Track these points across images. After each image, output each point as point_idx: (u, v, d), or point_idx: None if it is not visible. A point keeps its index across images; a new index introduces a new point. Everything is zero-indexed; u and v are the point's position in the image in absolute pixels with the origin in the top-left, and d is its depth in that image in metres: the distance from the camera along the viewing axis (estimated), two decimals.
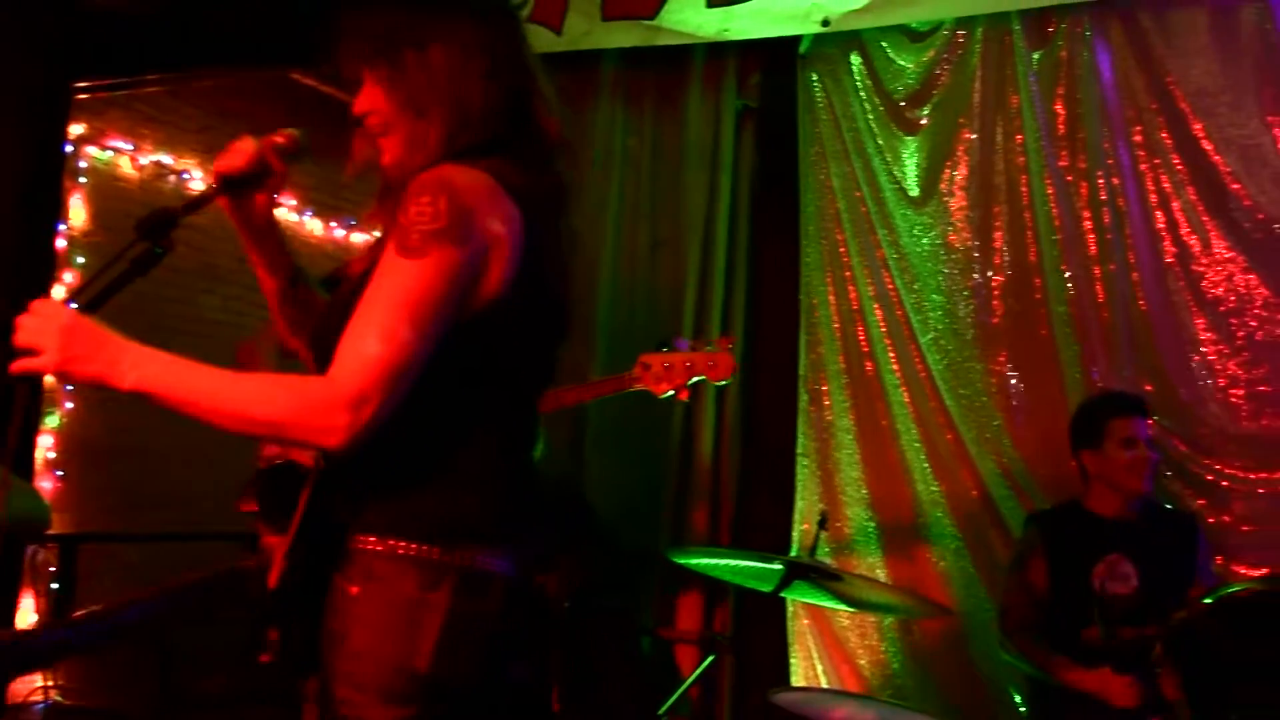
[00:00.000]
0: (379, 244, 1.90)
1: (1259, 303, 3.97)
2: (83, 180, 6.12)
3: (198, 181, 6.67)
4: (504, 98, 1.92)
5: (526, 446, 1.99)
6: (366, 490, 1.84)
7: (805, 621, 4.41)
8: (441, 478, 1.85)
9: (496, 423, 1.91)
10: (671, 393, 3.41)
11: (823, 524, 3.53)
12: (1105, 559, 3.52)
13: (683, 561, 3.63)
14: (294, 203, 7.04)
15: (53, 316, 1.75)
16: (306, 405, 1.71)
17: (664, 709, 3.60)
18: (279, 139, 2.05)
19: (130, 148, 6.45)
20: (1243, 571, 3.82)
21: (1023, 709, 3.93)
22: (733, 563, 3.54)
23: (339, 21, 1.96)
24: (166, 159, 6.63)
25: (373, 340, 1.72)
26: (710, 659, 3.82)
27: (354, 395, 1.69)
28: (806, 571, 3.30)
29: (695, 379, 3.39)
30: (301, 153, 2.07)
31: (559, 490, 4.67)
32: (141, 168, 6.55)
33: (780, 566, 3.31)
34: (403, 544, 1.81)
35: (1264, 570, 3.83)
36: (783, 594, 3.33)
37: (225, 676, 4.03)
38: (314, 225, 7.21)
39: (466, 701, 1.84)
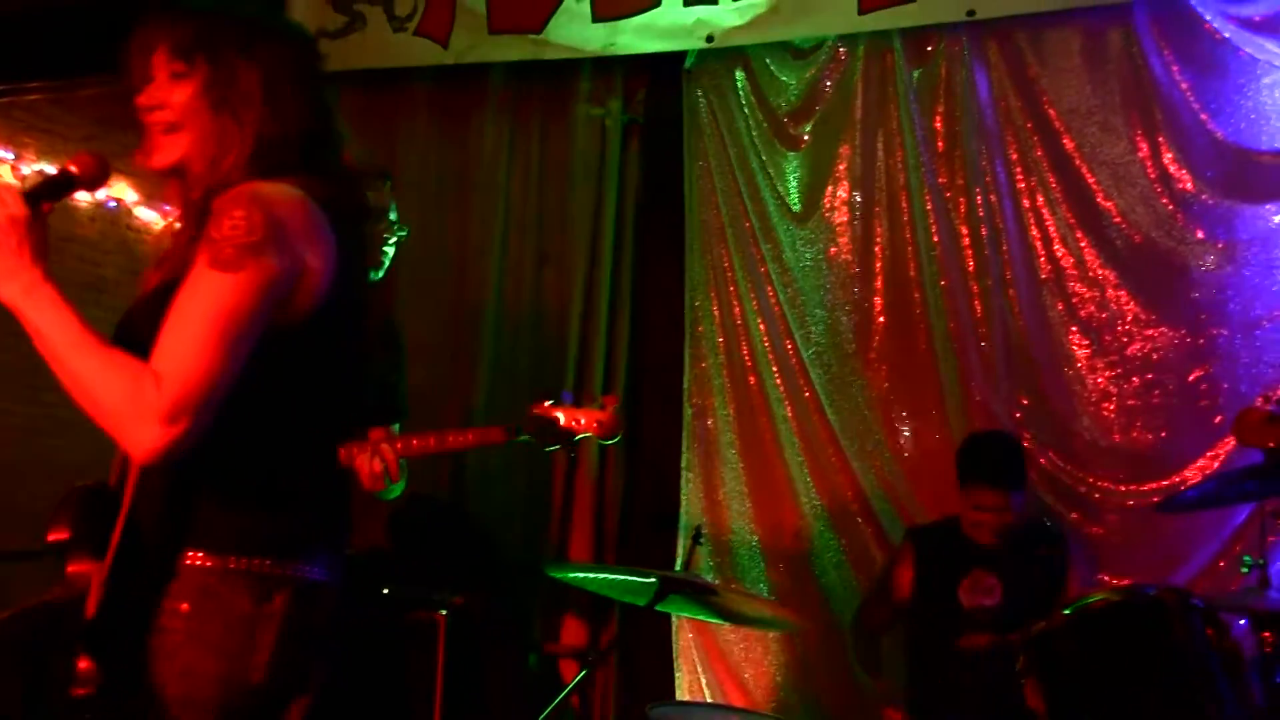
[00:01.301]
0: (179, 254, 1.88)
1: (1129, 318, 4.06)
2: None
3: (84, 192, 6.56)
4: (311, 119, 1.95)
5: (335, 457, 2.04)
6: (192, 507, 1.82)
7: (690, 635, 4.41)
8: (269, 492, 1.86)
9: (317, 436, 1.94)
10: (557, 447, 3.40)
11: (697, 539, 3.54)
12: (971, 573, 3.58)
13: (559, 576, 3.62)
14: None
15: (7, 204, 1.78)
16: (131, 406, 1.69)
17: None
18: (71, 166, 1.93)
19: (11, 156, 6.36)
20: (1111, 581, 3.90)
21: None
22: (609, 577, 3.54)
23: (156, 12, 1.95)
24: (50, 168, 6.51)
25: (188, 356, 1.71)
26: (583, 673, 3.80)
27: (169, 410, 1.69)
28: (680, 586, 3.31)
29: (582, 436, 3.38)
30: (98, 179, 1.96)
31: (444, 508, 4.65)
32: (24, 177, 6.42)
33: (654, 580, 3.32)
34: (233, 559, 1.81)
35: (1130, 580, 3.91)
36: (658, 608, 3.35)
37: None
38: None
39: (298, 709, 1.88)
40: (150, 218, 6.78)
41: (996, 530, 3.62)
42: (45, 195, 1.86)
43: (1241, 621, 3.32)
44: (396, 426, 3.60)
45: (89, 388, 1.72)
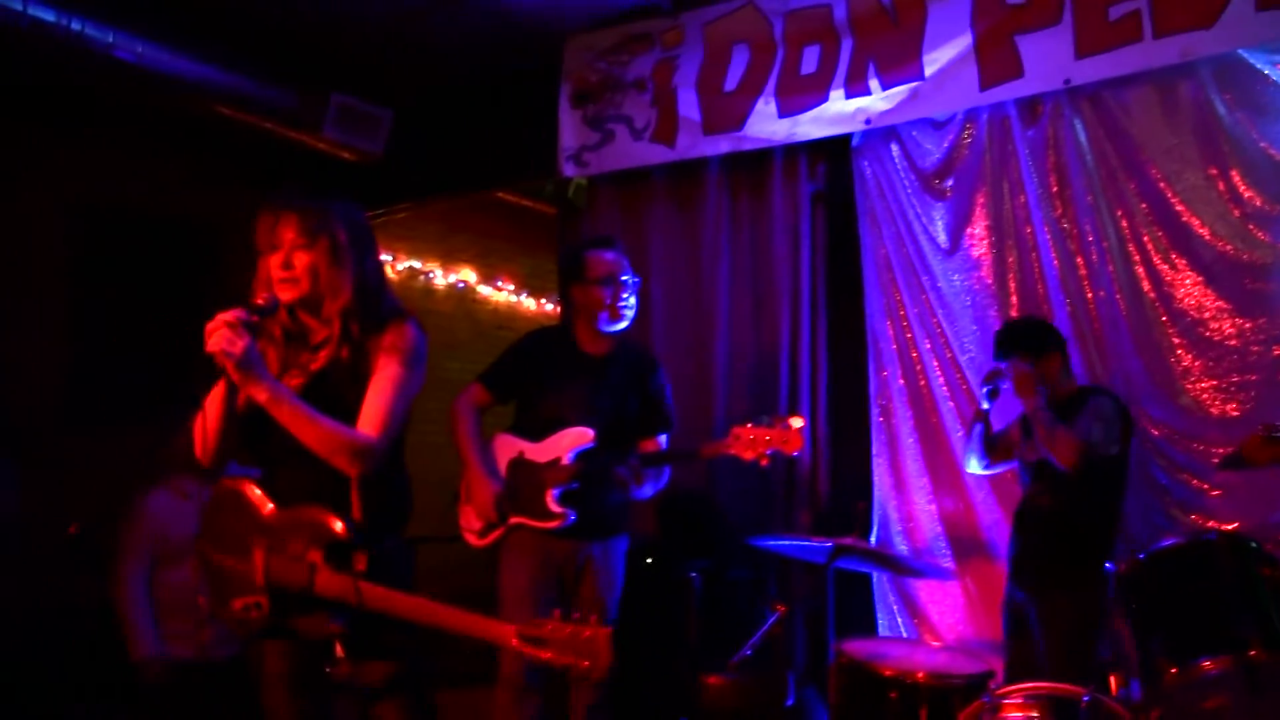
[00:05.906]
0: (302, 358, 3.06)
1: (1217, 312, 4.87)
2: None
3: (440, 278, 8.35)
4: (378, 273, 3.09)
5: None
6: None
7: (885, 585, 5.60)
8: None
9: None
10: (755, 459, 4.26)
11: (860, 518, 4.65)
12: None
13: (758, 545, 4.77)
14: (512, 287, 8.63)
15: (241, 337, 2.70)
16: (347, 446, 2.90)
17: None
18: (258, 299, 2.85)
19: (390, 258, 8.19)
20: (1219, 526, 4.71)
21: None
22: (793, 543, 4.74)
23: (283, 199, 2.98)
24: (416, 264, 8.32)
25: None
26: (781, 612, 4.44)
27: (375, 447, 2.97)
28: (847, 549, 4.44)
29: (772, 450, 4.21)
30: (272, 310, 2.86)
31: (699, 497, 6.01)
32: (399, 272, 8.28)
33: (831, 545, 4.44)
34: None
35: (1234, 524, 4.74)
36: (833, 565, 4.52)
37: None
38: (529, 302, 8.82)
39: None
40: (488, 292, 8.47)
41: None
42: (259, 319, 2.76)
43: None
44: (664, 436, 4.91)
45: (323, 439, 2.82)
